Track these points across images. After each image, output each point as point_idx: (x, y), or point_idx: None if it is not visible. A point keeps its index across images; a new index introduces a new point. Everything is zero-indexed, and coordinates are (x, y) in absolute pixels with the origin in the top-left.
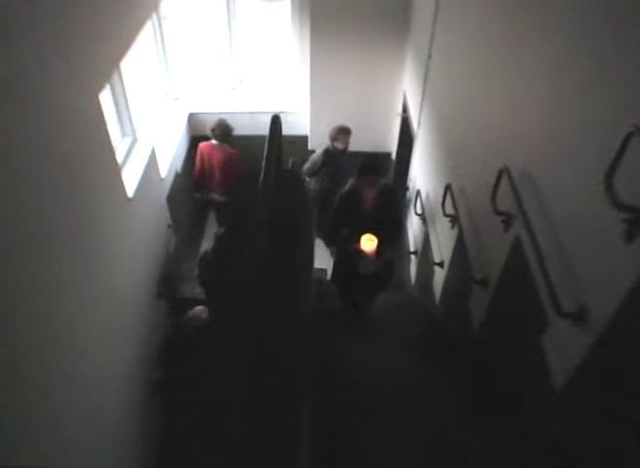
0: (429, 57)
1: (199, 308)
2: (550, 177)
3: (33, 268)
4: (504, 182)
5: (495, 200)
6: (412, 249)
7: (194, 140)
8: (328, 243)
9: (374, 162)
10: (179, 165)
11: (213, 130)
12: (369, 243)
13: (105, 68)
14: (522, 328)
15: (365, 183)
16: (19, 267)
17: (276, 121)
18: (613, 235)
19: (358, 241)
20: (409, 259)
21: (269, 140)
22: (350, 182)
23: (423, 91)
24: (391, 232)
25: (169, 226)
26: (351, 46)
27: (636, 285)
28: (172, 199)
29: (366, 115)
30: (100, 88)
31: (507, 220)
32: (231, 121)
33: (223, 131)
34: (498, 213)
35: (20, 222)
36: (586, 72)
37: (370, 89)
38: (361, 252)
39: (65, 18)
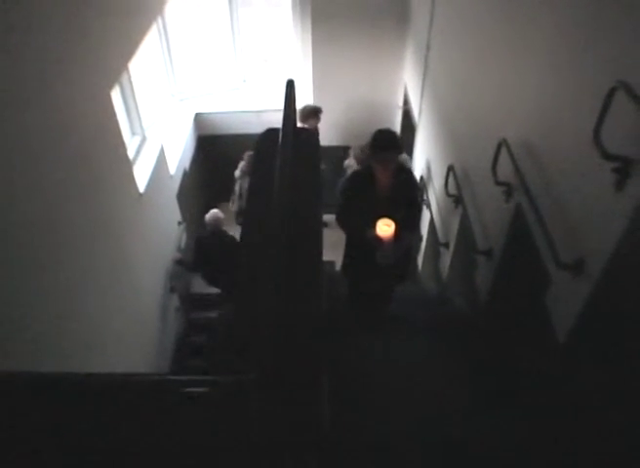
0: (428, 48)
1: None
2: (546, 143)
3: (54, 255)
4: (504, 154)
5: (495, 171)
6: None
7: (200, 140)
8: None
9: (388, 136)
10: (187, 164)
11: None
12: (386, 228)
13: (116, 67)
14: (526, 291)
15: (379, 162)
16: (39, 255)
17: (291, 84)
18: (604, 185)
19: (373, 227)
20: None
21: (286, 103)
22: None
23: (423, 80)
24: (409, 216)
25: (179, 223)
26: (352, 42)
27: (627, 229)
28: (181, 196)
29: (368, 109)
30: (112, 86)
31: (508, 191)
32: (237, 120)
33: None
34: (498, 183)
35: (41, 214)
36: (575, 42)
37: (372, 83)
38: (377, 239)
39: (79, 21)
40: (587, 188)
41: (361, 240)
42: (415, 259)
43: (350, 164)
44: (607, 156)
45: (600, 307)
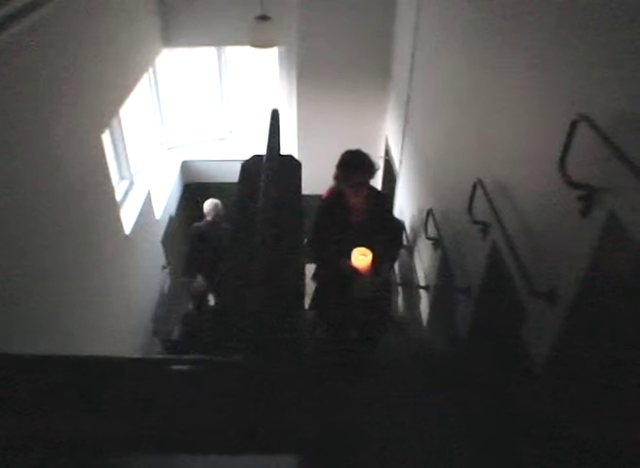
0: (408, 99)
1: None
2: (518, 179)
3: (39, 291)
4: (479, 194)
5: (471, 210)
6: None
7: (187, 187)
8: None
9: (358, 157)
10: (172, 209)
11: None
12: (362, 258)
13: (107, 111)
14: (503, 324)
15: (350, 186)
16: (23, 293)
17: (275, 115)
18: (571, 214)
19: (348, 257)
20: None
21: (270, 133)
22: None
23: (404, 131)
24: (388, 244)
25: (163, 267)
26: (336, 96)
27: (593, 254)
28: (166, 241)
29: None
30: (103, 129)
31: (484, 229)
32: (222, 168)
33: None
34: (475, 222)
35: (31, 248)
36: (543, 83)
37: (355, 134)
38: (353, 270)
39: (75, 64)
40: (556, 218)
41: (335, 271)
42: (393, 299)
43: None
44: (572, 184)
45: (574, 333)
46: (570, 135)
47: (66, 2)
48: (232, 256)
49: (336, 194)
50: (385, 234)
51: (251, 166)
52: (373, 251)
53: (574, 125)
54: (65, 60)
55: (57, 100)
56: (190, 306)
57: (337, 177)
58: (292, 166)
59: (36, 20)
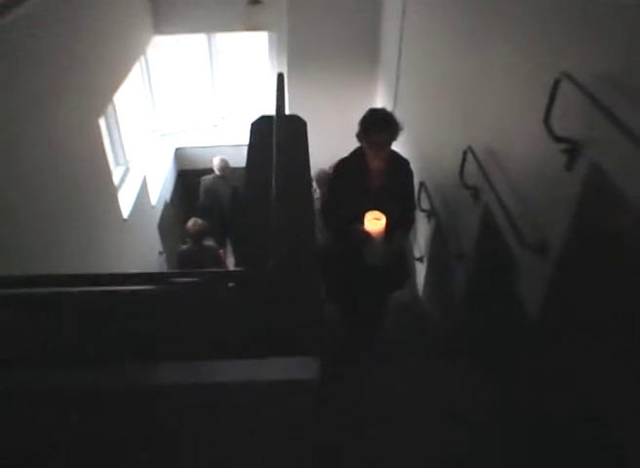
0: (397, 78)
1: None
2: (506, 143)
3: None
4: (469, 161)
5: (462, 176)
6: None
7: (181, 174)
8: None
9: (383, 115)
10: (167, 196)
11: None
12: (375, 222)
13: (103, 97)
14: (497, 282)
15: (371, 146)
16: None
17: (281, 78)
18: (557, 168)
19: (361, 221)
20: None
21: (277, 96)
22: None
23: (394, 109)
24: (403, 212)
25: (160, 253)
26: (326, 78)
27: (579, 205)
28: (162, 227)
29: (344, 144)
30: (99, 114)
31: (475, 193)
32: (216, 154)
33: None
34: (467, 187)
35: (34, 231)
36: (523, 49)
37: (346, 118)
38: (365, 234)
39: (72, 54)
40: (543, 174)
41: (346, 237)
42: (412, 265)
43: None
44: (557, 139)
45: (565, 281)
46: (553, 92)
47: None
48: (249, 212)
49: (355, 156)
50: (402, 201)
51: (259, 125)
52: (387, 216)
53: (556, 83)
54: (63, 46)
55: (55, 86)
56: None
57: (357, 135)
58: (299, 124)
59: (36, 4)
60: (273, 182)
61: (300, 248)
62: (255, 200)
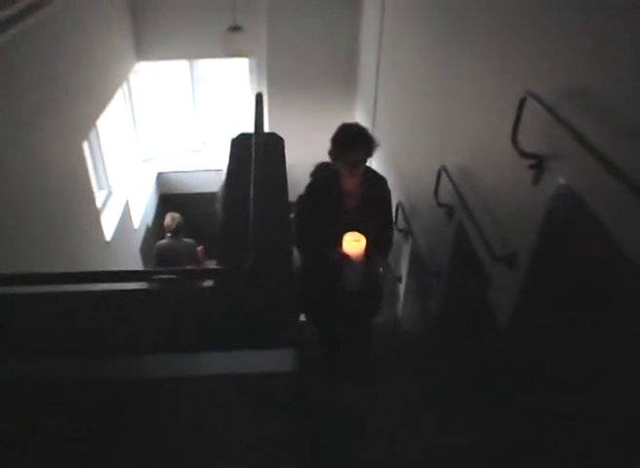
0: (375, 101)
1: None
2: (477, 161)
3: None
4: (444, 180)
5: (437, 195)
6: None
7: (162, 198)
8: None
9: (356, 131)
10: (149, 219)
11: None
12: (355, 244)
13: (86, 121)
14: (471, 295)
15: (345, 164)
16: None
17: (259, 98)
18: (525, 184)
19: (338, 244)
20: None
21: (256, 113)
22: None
23: (372, 130)
24: (382, 232)
25: None
26: (305, 102)
27: (545, 217)
28: (144, 250)
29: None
30: (83, 137)
31: (449, 211)
32: (197, 178)
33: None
34: (440, 205)
35: (17, 252)
36: (491, 70)
37: (325, 140)
38: (344, 257)
39: (57, 79)
40: (512, 190)
41: (323, 262)
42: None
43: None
44: (524, 155)
45: (533, 291)
46: (519, 110)
47: (51, 14)
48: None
49: (328, 175)
50: (380, 222)
51: (239, 141)
52: (367, 237)
53: (522, 101)
54: (47, 71)
55: (41, 107)
56: None
57: (330, 153)
58: (276, 140)
59: (23, 29)
60: (252, 184)
61: (275, 248)
62: (234, 205)
